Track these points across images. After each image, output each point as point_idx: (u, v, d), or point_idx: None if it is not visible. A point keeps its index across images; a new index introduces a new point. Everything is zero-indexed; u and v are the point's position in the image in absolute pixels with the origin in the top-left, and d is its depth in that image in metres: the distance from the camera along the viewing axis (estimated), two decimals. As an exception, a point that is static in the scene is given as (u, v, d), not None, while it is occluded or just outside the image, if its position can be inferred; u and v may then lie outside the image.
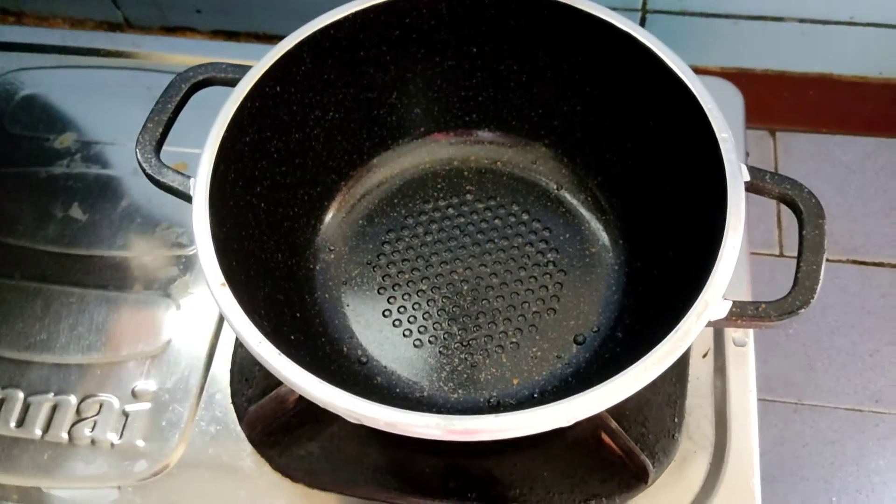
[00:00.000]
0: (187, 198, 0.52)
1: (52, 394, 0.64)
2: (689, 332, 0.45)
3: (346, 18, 0.59)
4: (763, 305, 0.47)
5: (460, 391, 0.60)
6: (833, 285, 0.81)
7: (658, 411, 0.60)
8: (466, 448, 0.60)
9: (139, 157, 0.54)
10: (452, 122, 0.70)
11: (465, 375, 0.60)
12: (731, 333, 0.64)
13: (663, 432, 0.59)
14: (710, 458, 0.59)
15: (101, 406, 0.63)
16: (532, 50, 0.63)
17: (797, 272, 0.48)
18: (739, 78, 0.89)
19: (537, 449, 0.60)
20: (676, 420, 0.60)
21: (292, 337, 0.56)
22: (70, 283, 0.69)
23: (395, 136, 0.69)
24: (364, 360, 0.61)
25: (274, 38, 0.98)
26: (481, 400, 0.59)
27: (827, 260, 0.82)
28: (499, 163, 0.70)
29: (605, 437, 0.58)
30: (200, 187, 0.51)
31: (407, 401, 0.59)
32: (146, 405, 0.63)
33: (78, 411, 0.63)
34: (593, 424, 0.58)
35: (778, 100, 0.89)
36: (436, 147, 0.70)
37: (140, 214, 0.72)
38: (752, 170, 0.51)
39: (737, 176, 0.50)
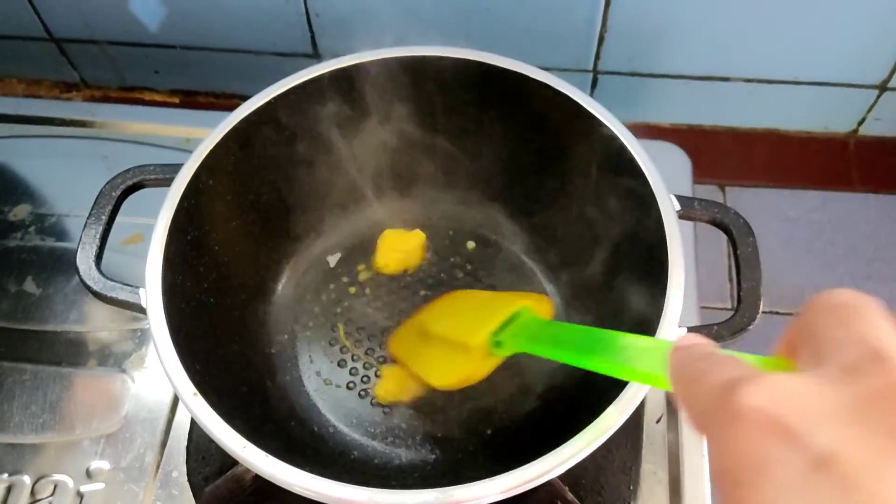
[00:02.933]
0: (139, 309, 0.52)
1: (7, 474, 0.63)
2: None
3: (267, 103, 0.60)
4: (715, 327, 0.51)
5: (438, 451, 0.60)
6: (784, 339, 0.82)
7: (614, 478, 0.61)
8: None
9: (82, 276, 0.54)
10: (389, 189, 0.71)
11: (439, 433, 0.61)
12: (684, 399, 0.65)
13: (618, 500, 0.60)
14: (664, 526, 0.60)
15: (55, 487, 0.63)
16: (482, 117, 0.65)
17: (739, 291, 0.52)
18: (689, 134, 0.91)
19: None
20: (632, 487, 0.61)
21: (264, 428, 0.56)
22: (23, 360, 0.68)
23: (331, 207, 0.70)
24: (336, 436, 0.61)
25: (231, 97, 0.99)
26: (459, 456, 0.60)
27: (776, 313, 0.84)
28: (433, 218, 0.71)
29: (561, 507, 0.58)
30: (153, 300, 0.51)
31: (387, 470, 0.60)
32: (101, 485, 0.62)
33: (32, 492, 0.62)
34: (549, 495, 0.58)
35: (727, 155, 0.91)
36: (375, 211, 0.71)
37: (95, 288, 0.72)
38: (680, 199, 0.55)
39: (668, 206, 0.53)
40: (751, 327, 0.51)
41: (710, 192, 0.90)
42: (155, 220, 0.54)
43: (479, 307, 0.60)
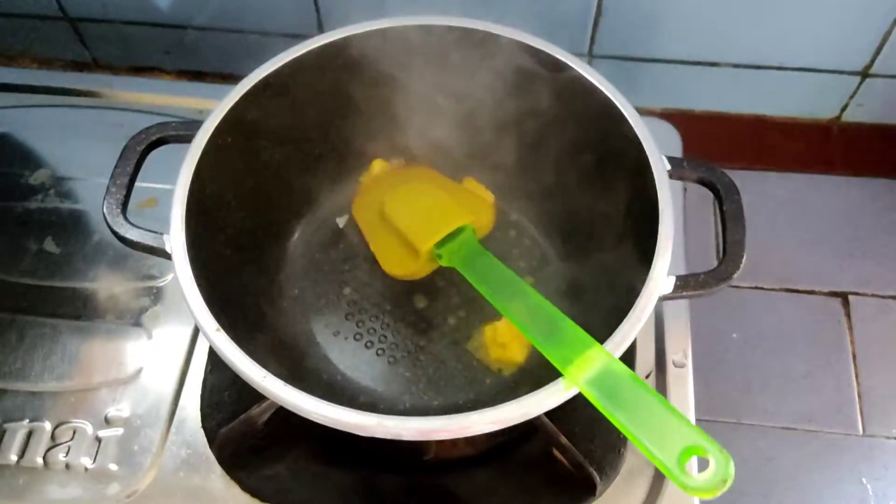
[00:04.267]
0: (162, 254, 0.56)
1: (27, 420, 0.66)
2: (645, 310, 0.51)
3: (284, 66, 0.64)
4: (703, 276, 0.54)
5: (440, 398, 0.64)
6: (768, 312, 0.86)
7: (605, 428, 0.64)
8: (426, 465, 0.64)
9: (109, 221, 0.58)
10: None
11: (441, 383, 0.65)
12: (671, 356, 0.69)
13: (610, 448, 0.63)
14: (653, 471, 0.64)
15: (74, 432, 0.66)
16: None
17: (724, 244, 0.56)
18: (679, 118, 0.94)
19: (494, 466, 0.63)
20: (622, 436, 0.64)
21: (277, 375, 0.59)
22: (44, 315, 0.71)
23: (343, 169, 0.74)
24: (345, 383, 0.65)
25: (238, 79, 1.01)
26: (460, 402, 0.64)
27: (762, 288, 0.88)
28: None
29: (556, 453, 0.62)
30: (177, 243, 0.54)
31: (392, 412, 0.62)
32: (119, 430, 0.66)
33: (52, 437, 0.66)
34: (545, 441, 0.62)
35: (715, 138, 0.95)
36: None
37: (112, 247, 0.75)
38: (671, 159, 0.59)
39: (659, 165, 0.57)
40: (735, 275, 0.55)
41: (699, 173, 0.94)
42: (170, 185, 0.57)
43: (433, 210, 0.66)
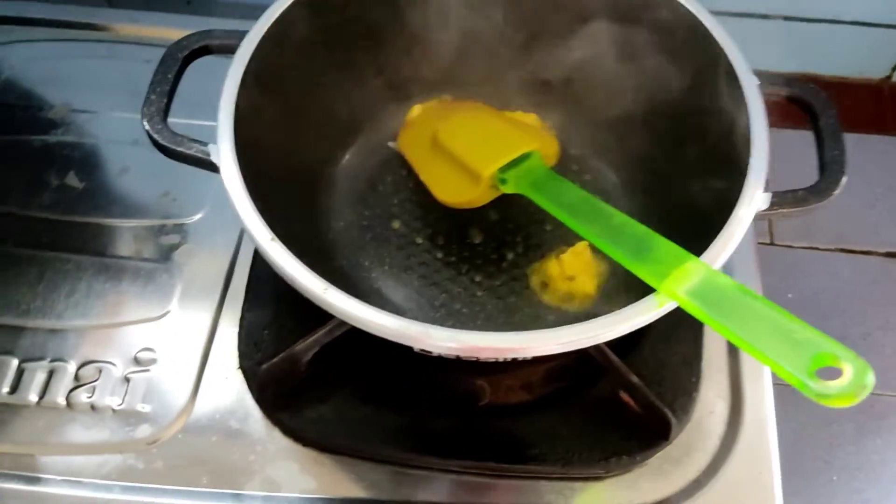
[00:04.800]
0: (207, 165, 0.51)
1: (48, 360, 0.61)
2: (741, 224, 0.48)
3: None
4: (801, 192, 0.51)
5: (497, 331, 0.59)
6: (824, 272, 0.83)
7: (675, 371, 0.60)
8: (481, 410, 0.59)
9: (149, 128, 0.53)
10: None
11: (500, 319, 0.60)
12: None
13: (681, 391, 0.59)
14: (727, 417, 0.59)
15: (100, 371, 0.61)
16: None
17: (822, 159, 0.53)
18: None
19: (556, 408, 0.59)
20: (694, 380, 0.60)
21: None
22: (67, 250, 0.66)
23: (398, 96, 0.69)
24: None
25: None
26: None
27: (817, 249, 0.84)
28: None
29: (624, 395, 0.57)
30: (226, 152, 0.50)
31: None
32: (149, 369, 0.61)
33: (76, 377, 0.60)
34: (612, 383, 0.57)
35: (767, 98, 0.91)
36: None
37: (139, 183, 0.70)
38: (760, 74, 0.55)
39: (749, 78, 0.54)
40: (835, 192, 0.51)
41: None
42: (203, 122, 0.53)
43: (493, 136, 0.62)
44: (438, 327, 0.44)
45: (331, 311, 0.46)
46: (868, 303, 0.81)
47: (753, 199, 0.49)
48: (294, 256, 0.46)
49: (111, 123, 0.74)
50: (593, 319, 0.44)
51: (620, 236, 0.49)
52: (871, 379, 0.37)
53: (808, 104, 0.55)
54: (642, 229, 0.49)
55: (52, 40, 0.80)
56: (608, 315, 0.44)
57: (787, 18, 0.85)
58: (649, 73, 0.61)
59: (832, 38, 0.87)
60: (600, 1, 0.61)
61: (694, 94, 0.58)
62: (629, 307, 0.45)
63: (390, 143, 0.69)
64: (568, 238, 0.61)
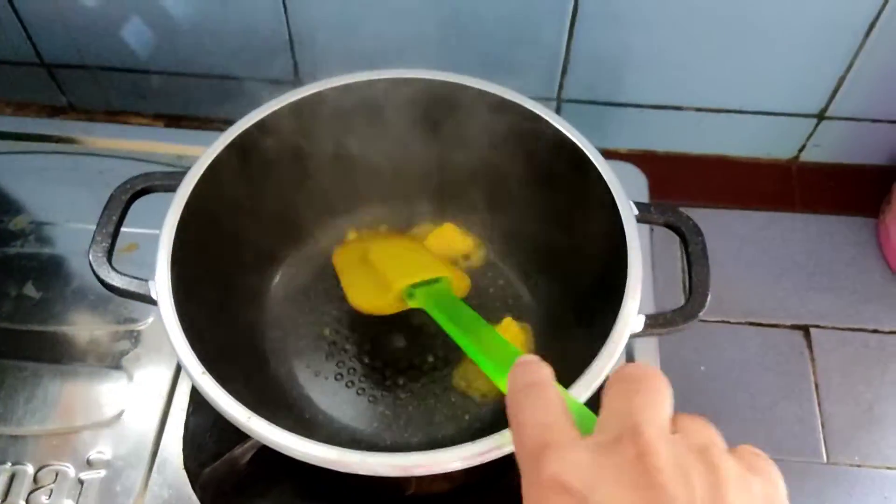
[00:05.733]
0: (148, 300, 0.57)
1: (10, 463, 0.67)
2: (617, 346, 0.53)
3: (264, 119, 0.66)
4: (670, 314, 0.57)
5: (420, 434, 0.66)
6: (734, 346, 0.88)
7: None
8: (407, 500, 0.65)
9: (95, 269, 0.59)
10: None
11: (421, 420, 0.67)
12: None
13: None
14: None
15: (56, 474, 0.66)
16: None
17: (690, 283, 0.59)
18: (645, 158, 0.98)
19: (474, 499, 0.65)
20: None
21: (260, 413, 0.60)
22: (24, 358, 0.72)
23: (324, 214, 0.76)
24: (326, 422, 0.66)
25: (213, 122, 1.03)
26: (440, 437, 0.66)
27: (728, 322, 0.90)
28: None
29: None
30: (163, 289, 0.56)
31: (374, 449, 0.63)
32: (101, 472, 0.66)
33: (35, 480, 0.66)
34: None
35: (680, 178, 0.98)
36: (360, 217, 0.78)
37: (92, 291, 0.76)
38: (638, 205, 0.61)
39: (627, 211, 0.60)
40: (700, 314, 0.57)
41: (665, 211, 0.97)
42: (150, 230, 0.59)
43: (414, 259, 0.69)
44: (351, 451, 0.50)
45: (253, 437, 0.51)
46: (775, 373, 0.87)
47: (628, 323, 0.55)
48: (221, 388, 0.52)
49: (69, 234, 0.80)
50: (478, 441, 0.50)
51: (494, 352, 0.55)
52: None
53: (679, 231, 0.61)
54: (513, 349, 0.55)
55: (11, 153, 0.86)
56: (493, 435, 0.50)
57: (698, 109, 0.92)
58: (545, 201, 0.67)
59: (741, 125, 0.93)
60: (497, 150, 0.69)
61: (580, 220, 0.64)
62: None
63: (319, 262, 0.75)
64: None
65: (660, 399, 0.34)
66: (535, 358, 0.41)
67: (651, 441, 0.31)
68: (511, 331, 0.69)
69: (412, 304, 0.65)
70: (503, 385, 0.52)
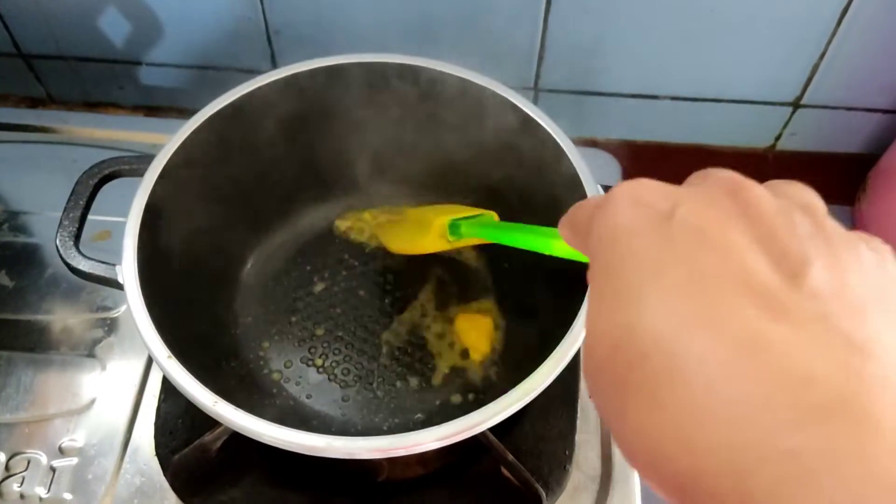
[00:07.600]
0: (115, 284, 0.57)
1: (-19, 452, 0.67)
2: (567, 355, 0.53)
3: (234, 102, 0.66)
4: None
5: (391, 420, 0.66)
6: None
7: (551, 445, 0.66)
8: (379, 486, 0.65)
9: (62, 253, 0.59)
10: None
11: (392, 405, 0.67)
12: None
13: (556, 464, 0.65)
14: (597, 487, 0.66)
15: (28, 462, 0.66)
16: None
17: None
18: (622, 148, 0.98)
19: (446, 485, 0.65)
20: (567, 453, 0.66)
21: (230, 400, 0.60)
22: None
23: (293, 201, 0.76)
24: (297, 407, 0.66)
25: (193, 113, 1.03)
26: (410, 423, 0.66)
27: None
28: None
29: (504, 471, 0.63)
30: (129, 273, 0.56)
31: (344, 434, 0.64)
32: (73, 460, 0.66)
33: (7, 467, 0.66)
34: (494, 459, 0.64)
35: (657, 168, 0.98)
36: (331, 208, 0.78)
37: (66, 280, 0.76)
38: (606, 189, 0.60)
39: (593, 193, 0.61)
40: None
41: (642, 201, 0.97)
42: (123, 218, 0.58)
43: (449, 207, 0.69)
44: (318, 435, 0.50)
45: (220, 421, 0.51)
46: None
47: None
48: (188, 373, 0.52)
49: (43, 223, 0.80)
50: (448, 423, 0.50)
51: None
52: None
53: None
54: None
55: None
56: (463, 417, 0.51)
57: (674, 98, 0.93)
58: (521, 187, 0.68)
59: (718, 113, 0.94)
60: (469, 136, 0.70)
61: (554, 204, 0.64)
62: (482, 409, 0.51)
63: (291, 247, 0.75)
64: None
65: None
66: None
67: (747, 183, 0.27)
68: (479, 319, 0.70)
69: (454, 243, 0.65)
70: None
